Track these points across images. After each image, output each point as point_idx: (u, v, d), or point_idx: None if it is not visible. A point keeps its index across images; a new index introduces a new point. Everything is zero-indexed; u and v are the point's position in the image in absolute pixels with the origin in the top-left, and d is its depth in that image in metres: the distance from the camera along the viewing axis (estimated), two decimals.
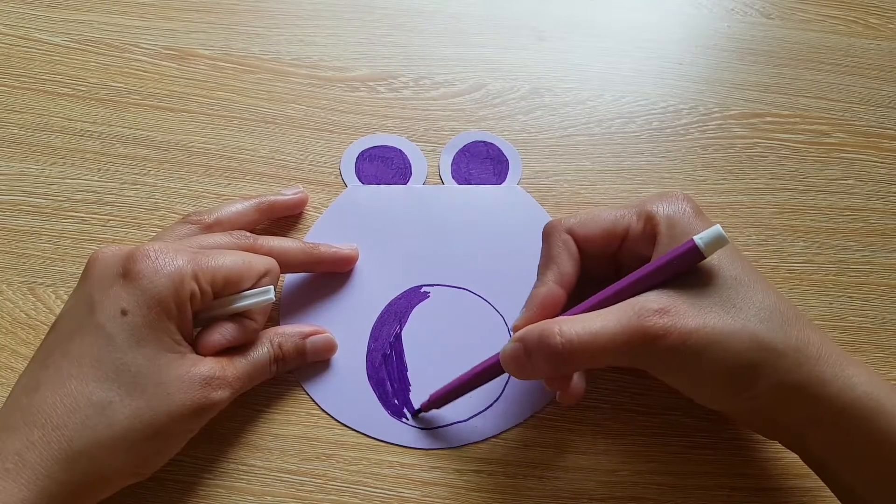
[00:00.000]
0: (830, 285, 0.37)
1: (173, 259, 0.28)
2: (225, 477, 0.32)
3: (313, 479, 0.32)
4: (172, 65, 0.41)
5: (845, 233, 0.38)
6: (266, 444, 0.32)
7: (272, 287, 0.31)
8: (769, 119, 0.41)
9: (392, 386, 0.34)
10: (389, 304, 0.35)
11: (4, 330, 0.35)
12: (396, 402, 0.34)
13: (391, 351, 0.34)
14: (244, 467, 0.32)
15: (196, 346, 0.30)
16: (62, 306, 0.30)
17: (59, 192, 0.38)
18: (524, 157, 0.39)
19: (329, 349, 0.34)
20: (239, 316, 0.31)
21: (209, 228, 0.33)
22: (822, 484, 0.29)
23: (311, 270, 0.35)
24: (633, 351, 0.27)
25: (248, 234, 0.33)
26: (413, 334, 0.35)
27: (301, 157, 0.39)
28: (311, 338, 0.33)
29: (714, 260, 0.28)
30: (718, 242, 0.26)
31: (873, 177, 0.40)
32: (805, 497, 0.32)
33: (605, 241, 0.30)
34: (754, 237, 0.38)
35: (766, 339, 0.26)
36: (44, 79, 0.41)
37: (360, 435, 0.33)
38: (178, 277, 0.28)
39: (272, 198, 0.36)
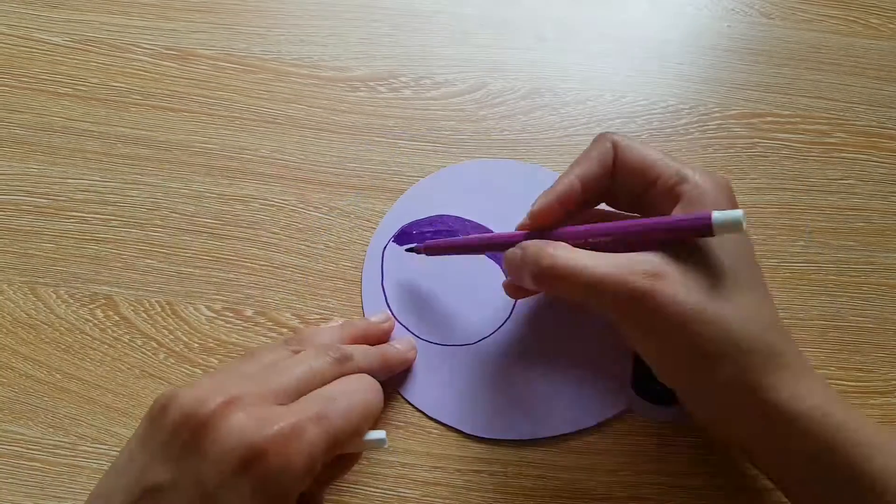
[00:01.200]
0: (831, 285, 0.37)
1: (302, 444, 0.25)
2: None
3: None
4: (173, 65, 0.41)
5: (845, 233, 0.38)
6: None
7: (385, 433, 0.29)
8: (769, 119, 0.41)
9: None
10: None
11: (5, 330, 0.35)
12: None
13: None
14: None
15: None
16: (132, 434, 0.27)
17: (60, 192, 0.38)
18: (524, 157, 0.39)
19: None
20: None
21: None
22: None
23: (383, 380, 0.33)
24: (610, 299, 0.27)
25: (345, 352, 0.30)
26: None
27: (302, 156, 0.39)
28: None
29: (723, 246, 0.28)
30: (732, 226, 0.26)
31: (874, 177, 0.40)
32: None
33: (635, 174, 0.30)
34: (754, 237, 0.38)
35: (737, 334, 0.27)
36: (45, 79, 0.41)
37: None
38: (310, 466, 0.25)
39: (364, 326, 0.34)
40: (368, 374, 0.30)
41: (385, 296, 0.36)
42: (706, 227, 0.27)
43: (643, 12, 0.44)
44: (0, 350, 0.35)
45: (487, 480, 0.32)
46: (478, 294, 0.35)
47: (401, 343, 0.34)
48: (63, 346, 0.35)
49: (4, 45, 0.42)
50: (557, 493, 0.32)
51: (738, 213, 0.26)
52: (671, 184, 0.29)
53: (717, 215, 0.26)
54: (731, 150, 0.40)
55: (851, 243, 0.38)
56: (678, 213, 0.29)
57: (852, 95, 0.42)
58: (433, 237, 0.37)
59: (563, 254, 0.28)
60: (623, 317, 0.28)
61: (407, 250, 0.35)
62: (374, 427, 0.28)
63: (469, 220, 0.37)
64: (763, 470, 0.30)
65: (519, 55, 0.42)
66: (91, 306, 0.36)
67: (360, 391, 0.28)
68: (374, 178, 0.39)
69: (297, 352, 0.30)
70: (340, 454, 0.28)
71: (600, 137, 0.31)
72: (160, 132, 0.40)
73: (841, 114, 0.41)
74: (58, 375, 0.34)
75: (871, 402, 0.34)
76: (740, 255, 0.29)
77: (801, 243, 0.38)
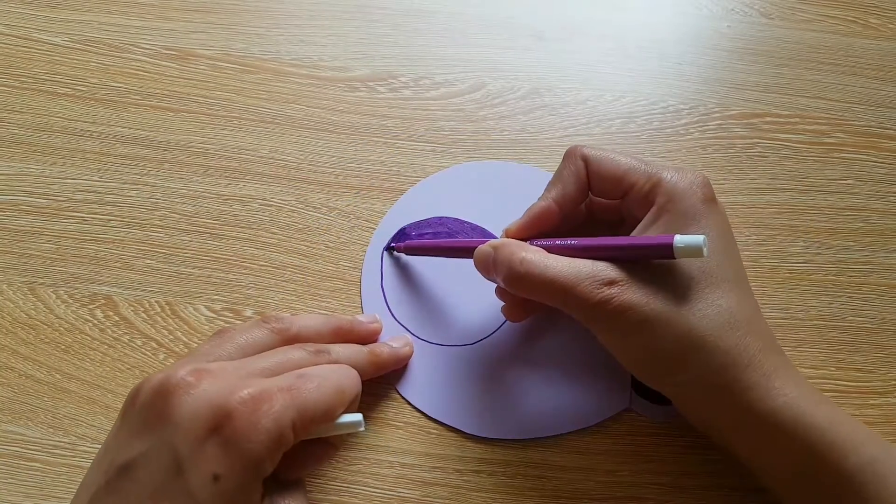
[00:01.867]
0: (830, 285, 0.37)
1: (270, 409, 0.25)
2: None
3: (313, 479, 0.32)
4: (172, 65, 0.41)
5: (845, 233, 0.38)
6: None
7: (361, 415, 0.28)
8: (769, 119, 0.41)
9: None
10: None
11: (5, 330, 0.35)
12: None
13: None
14: None
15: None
16: (110, 433, 0.27)
17: (59, 192, 0.38)
18: (524, 157, 0.39)
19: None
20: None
21: (289, 341, 0.31)
22: None
23: (376, 376, 0.34)
24: (574, 304, 0.28)
25: (323, 347, 0.31)
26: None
27: (301, 157, 0.39)
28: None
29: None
30: (693, 252, 0.26)
31: (873, 177, 0.40)
32: None
33: (610, 185, 0.31)
34: (754, 237, 0.38)
35: (699, 335, 0.27)
36: (44, 79, 0.41)
37: (360, 435, 0.33)
38: (277, 433, 0.25)
39: (349, 321, 0.34)
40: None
41: (384, 296, 0.36)
42: (668, 252, 0.27)
43: (643, 12, 0.44)
44: (0, 350, 0.35)
45: (487, 480, 0.33)
46: (477, 294, 0.35)
47: (395, 341, 0.34)
48: (63, 347, 0.35)
49: (4, 45, 0.42)
50: (557, 493, 0.32)
51: (698, 239, 0.26)
52: (645, 191, 0.30)
53: (678, 240, 0.26)
54: (731, 151, 0.40)
55: (851, 243, 0.38)
56: (648, 219, 0.29)
57: (852, 95, 0.42)
58: (433, 238, 0.37)
59: (534, 258, 0.29)
60: (588, 320, 0.29)
61: (384, 248, 0.36)
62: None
63: (468, 222, 0.37)
64: (747, 468, 0.30)
65: (519, 55, 0.42)
66: (91, 306, 0.36)
67: (334, 374, 0.28)
68: (373, 179, 0.39)
69: (273, 329, 0.30)
70: (318, 439, 0.28)
71: (570, 153, 0.32)
72: (159, 132, 0.39)
73: (840, 114, 0.41)
74: (58, 375, 0.34)
75: (871, 402, 0.35)
76: (716, 256, 0.29)
77: (801, 243, 0.38)
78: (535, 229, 0.32)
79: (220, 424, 0.24)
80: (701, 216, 0.29)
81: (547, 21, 0.43)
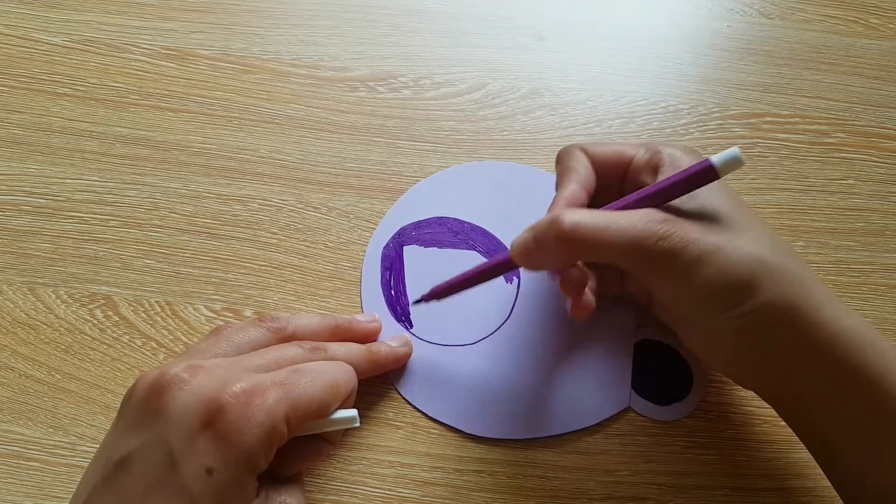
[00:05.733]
0: (830, 285, 0.37)
1: (263, 402, 0.25)
2: None
3: (313, 479, 0.32)
4: (172, 65, 0.41)
5: (845, 233, 0.38)
6: None
7: (356, 411, 0.29)
8: (769, 119, 0.41)
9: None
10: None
11: (4, 330, 0.35)
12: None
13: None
14: None
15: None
16: (110, 433, 0.27)
17: (59, 192, 0.38)
18: (524, 157, 0.39)
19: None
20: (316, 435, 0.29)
21: (285, 339, 0.31)
22: (823, 483, 0.29)
23: (373, 374, 0.33)
24: (635, 247, 0.27)
25: (319, 345, 0.31)
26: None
27: (301, 157, 0.39)
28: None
29: (712, 197, 0.29)
30: (734, 164, 0.27)
31: (873, 177, 0.40)
32: (805, 497, 0.32)
33: (612, 163, 0.31)
34: None
35: (767, 257, 0.27)
36: (43, 79, 0.41)
37: (360, 435, 0.33)
38: (269, 426, 0.25)
39: (347, 320, 0.34)
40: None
41: (384, 296, 0.36)
42: (710, 172, 0.27)
43: (643, 12, 0.44)
44: (0, 350, 0.35)
45: (487, 480, 0.33)
46: (478, 294, 0.35)
47: (394, 340, 0.34)
48: (63, 347, 0.35)
49: (3, 45, 0.42)
50: (557, 493, 0.32)
51: (734, 150, 0.27)
52: (646, 159, 0.31)
53: (716, 158, 0.27)
54: None
55: (851, 243, 0.38)
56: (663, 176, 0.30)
57: (852, 95, 0.42)
58: (433, 238, 0.37)
59: (579, 214, 0.28)
60: (648, 266, 0.28)
61: (414, 303, 0.35)
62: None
63: (468, 223, 0.37)
64: (795, 412, 0.29)
65: (519, 55, 0.42)
66: (90, 306, 0.36)
67: (328, 369, 0.28)
68: (373, 179, 0.39)
69: (270, 329, 0.30)
70: (314, 435, 0.28)
71: (567, 150, 0.32)
72: (159, 132, 0.39)
73: (840, 114, 0.41)
74: (58, 375, 0.34)
75: None
76: (732, 199, 0.29)
77: (801, 243, 0.38)
78: None
79: (212, 418, 0.24)
80: None
81: (547, 21, 0.43)
